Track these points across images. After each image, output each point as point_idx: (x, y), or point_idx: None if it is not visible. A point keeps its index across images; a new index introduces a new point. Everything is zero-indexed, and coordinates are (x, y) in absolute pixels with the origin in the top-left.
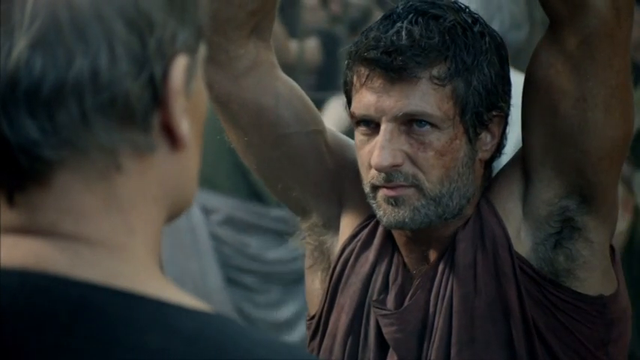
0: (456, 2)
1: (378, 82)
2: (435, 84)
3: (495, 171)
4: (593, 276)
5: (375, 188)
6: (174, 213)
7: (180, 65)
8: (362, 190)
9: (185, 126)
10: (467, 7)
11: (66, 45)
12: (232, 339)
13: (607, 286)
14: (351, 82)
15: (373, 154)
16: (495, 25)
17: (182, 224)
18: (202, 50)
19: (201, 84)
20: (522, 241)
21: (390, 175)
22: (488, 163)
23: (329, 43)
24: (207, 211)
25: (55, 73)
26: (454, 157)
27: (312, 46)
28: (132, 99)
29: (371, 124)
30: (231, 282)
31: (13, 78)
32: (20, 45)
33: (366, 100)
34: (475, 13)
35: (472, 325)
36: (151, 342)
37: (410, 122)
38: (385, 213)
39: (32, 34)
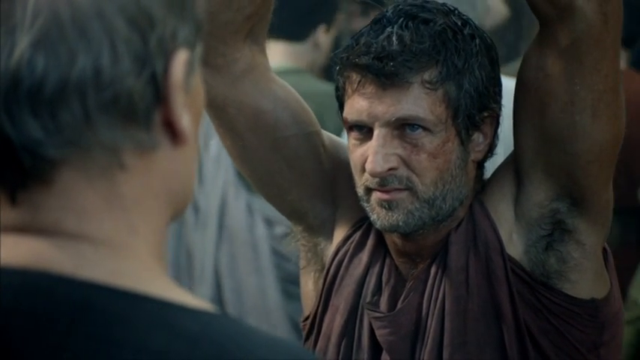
0: (444, 4)
1: (369, 88)
2: (427, 88)
3: (487, 171)
4: (585, 278)
5: (368, 191)
6: (177, 209)
7: (180, 60)
8: (355, 191)
9: (186, 121)
10: (456, 8)
11: (68, 44)
12: (234, 339)
13: (599, 288)
14: (343, 88)
15: (367, 159)
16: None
17: (243, 237)
18: (201, 46)
19: (199, 80)
20: (515, 243)
21: (384, 179)
22: (481, 164)
23: None
24: (269, 224)
25: (58, 72)
26: (447, 160)
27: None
28: (134, 97)
29: (363, 129)
30: (291, 297)
31: (16, 77)
32: (22, 44)
33: (359, 105)
34: (464, 15)
35: (464, 328)
36: (154, 342)
37: (402, 126)
38: (379, 216)
39: (34, 33)
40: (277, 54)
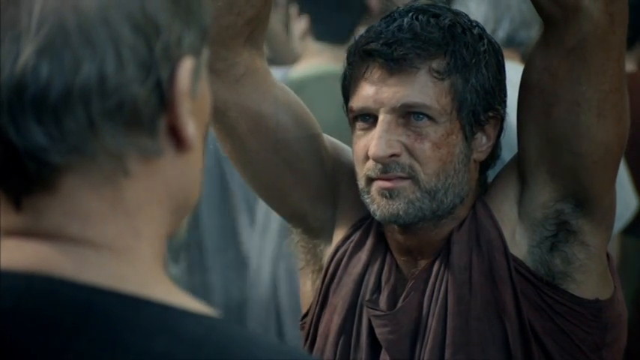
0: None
1: (377, 74)
2: (434, 77)
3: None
4: (590, 279)
5: (370, 181)
6: (179, 215)
7: (186, 67)
8: (356, 192)
9: (191, 128)
10: (465, 14)
11: (73, 51)
12: (237, 343)
13: (603, 290)
14: (350, 76)
15: (370, 144)
16: (505, 24)
17: None
18: (206, 52)
19: (205, 86)
20: (518, 243)
21: (386, 166)
22: (484, 169)
23: None
24: None
25: (62, 79)
26: (450, 152)
27: None
28: (139, 103)
29: (369, 119)
30: None
31: (20, 84)
32: (27, 51)
33: (365, 92)
34: (474, 20)
35: (467, 327)
36: (156, 346)
37: (407, 115)
38: (379, 206)
39: (39, 40)
40: (323, 58)
